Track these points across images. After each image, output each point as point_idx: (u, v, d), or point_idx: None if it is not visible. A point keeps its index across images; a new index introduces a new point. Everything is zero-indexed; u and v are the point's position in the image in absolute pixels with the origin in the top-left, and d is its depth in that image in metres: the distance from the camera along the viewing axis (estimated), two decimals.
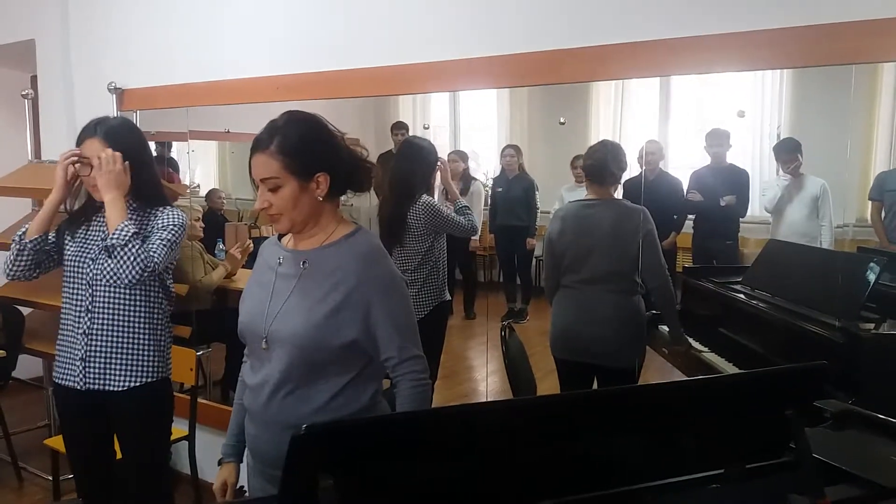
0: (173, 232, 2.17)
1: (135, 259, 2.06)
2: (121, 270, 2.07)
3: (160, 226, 2.18)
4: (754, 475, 1.21)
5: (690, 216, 2.65)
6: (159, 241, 2.13)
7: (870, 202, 2.24)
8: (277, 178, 1.56)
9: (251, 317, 1.68)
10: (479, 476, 1.08)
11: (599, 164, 2.54)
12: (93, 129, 2.18)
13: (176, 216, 2.21)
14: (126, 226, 2.08)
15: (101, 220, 2.20)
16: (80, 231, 2.25)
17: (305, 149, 1.58)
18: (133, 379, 2.19)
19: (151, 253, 2.10)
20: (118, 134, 2.19)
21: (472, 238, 3.25)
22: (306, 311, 1.59)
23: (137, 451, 2.29)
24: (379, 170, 2.85)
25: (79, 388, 2.19)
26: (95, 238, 2.21)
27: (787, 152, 2.33)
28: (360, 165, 1.67)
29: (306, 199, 1.59)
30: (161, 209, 2.23)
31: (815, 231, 2.34)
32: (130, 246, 2.06)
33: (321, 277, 1.61)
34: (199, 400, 3.06)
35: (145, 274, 2.08)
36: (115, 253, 2.06)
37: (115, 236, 2.07)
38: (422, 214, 2.83)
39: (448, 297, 2.99)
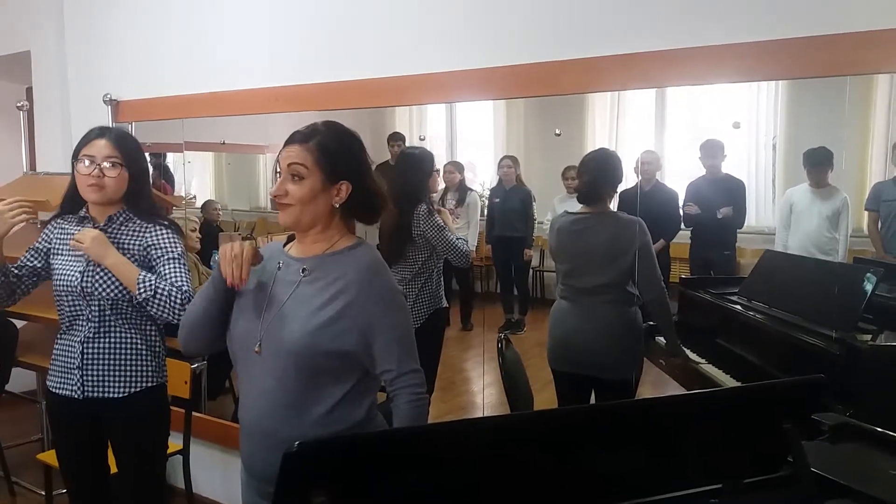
0: (184, 258, 2.23)
1: (173, 301, 2.10)
2: (165, 315, 2.12)
3: (170, 255, 2.19)
4: (752, 490, 1.20)
5: (687, 228, 2.64)
6: (180, 272, 2.18)
7: (866, 212, 2.24)
8: (306, 167, 1.59)
9: (247, 321, 1.66)
10: (476, 492, 1.07)
11: (590, 186, 2.54)
12: (101, 131, 2.20)
13: (177, 242, 2.24)
14: (144, 277, 2.11)
15: (86, 225, 2.21)
16: (65, 238, 2.23)
17: (340, 153, 1.63)
18: (132, 385, 2.19)
19: (182, 287, 2.14)
20: (125, 141, 2.22)
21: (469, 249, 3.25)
22: (304, 317, 1.59)
23: (135, 462, 2.26)
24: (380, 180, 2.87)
25: (76, 397, 2.18)
26: (79, 251, 2.20)
27: (818, 162, 2.25)
28: (379, 195, 1.71)
29: (323, 200, 1.62)
30: (156, 229, 2.22)
31: (828, 243, 2.33)
32: (160, 291, 2.10)
33: (322, 285, 1.62)
34: (194, 414, 3.04)
35: (185, 306, 2.10)
36: (151, 303, 2.11)
37: (141, 292, 2.10)
38: (425, 228, 2.83)
39: (445, 304, 2.98)
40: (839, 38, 1.91)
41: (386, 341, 1.61)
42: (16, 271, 2.25)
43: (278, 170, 1.64)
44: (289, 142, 1.64)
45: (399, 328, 1.64)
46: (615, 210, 2.56)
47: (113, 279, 2.14)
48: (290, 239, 1.76)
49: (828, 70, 1.96)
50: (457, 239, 2.87)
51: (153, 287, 2.09)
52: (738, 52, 2.05)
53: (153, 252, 2.19)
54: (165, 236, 2.21)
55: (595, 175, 2.54)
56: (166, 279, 2.14)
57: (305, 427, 1.57)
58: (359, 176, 1.66)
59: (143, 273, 2.11)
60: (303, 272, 1.65)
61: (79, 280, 2.15)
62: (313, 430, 1.57)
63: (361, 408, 1.64)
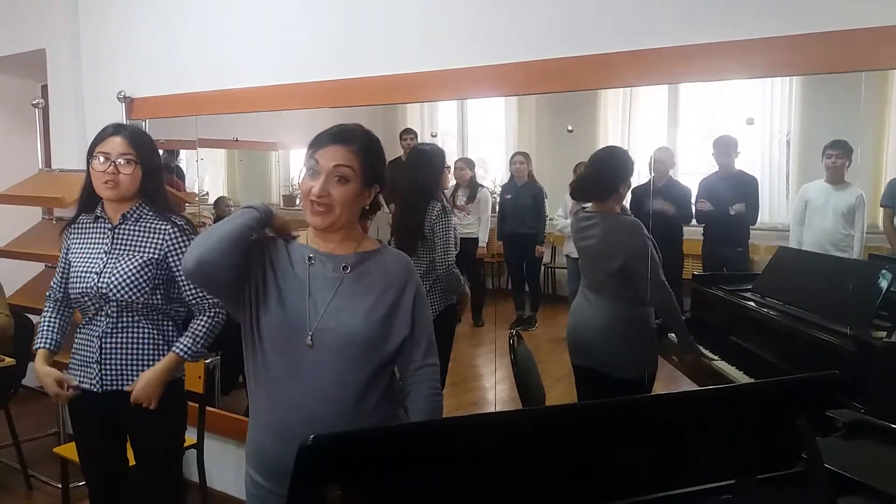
0: None
1: (217, 325, 2.27)
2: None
3: None
4: (766, 486, 1.20)
5: (700, 224, 2.63)
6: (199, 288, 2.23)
7: (881, 209, 2.22)
8: (353, 170, 1.61)
9: (285, 313, 1.61)
10: (489, 486, 1.07)
11: (580, 183, 2.57)
12: (116, 129, 2.22)
13: None
14: (186, 350, 2.21)
15: (101, 224, 2.24)
16: (82, 238, 2.26)
17: (377, 159, 1.69)
18: None
19: (210, 299, 2.24)
20: (139, 138, 2.25)
21: (480, 245, 3.25)
22: (364, 312, 1.63)
23: (151, 456, 2.29)
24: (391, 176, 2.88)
25: (95, 390, 2.20)
26: (98, 250, 2.22)
27: (839, 148, 2.21)
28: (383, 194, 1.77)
29: (358, 203, 1.66)
30: (173, 231, 2.22)
31: (843, 240, 2.31)
32: (203, 335, 2.24)
33: (369, 283, 1.67)
34: (208, 408, 3.06)
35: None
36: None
37: (200, 351, 2.24)
38: (435, 223, 2.83)
39: (455, 300, 2.98)
40: (854, 33, 1.89)
41: (417, 335, 1.68)
42: (60, 295, 2.33)
43: (312, 168, 1.60)
44: (328, 142, 1.61)
45: (427, 323, 1.72)
46: (626, 207, 2.55)
47: (129, 282, 2.16)
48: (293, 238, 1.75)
49: (843, 66, 1.95)
50: (453, 248, 2.88)
51: (200, 342, 2.22)
52: (752, 48, 2.03)
53: (171, 259, 2.20)
54: (182, 242, 2.22)
55: (586, 174, 2.53)
56: (195, 305, 2.25)
57: (357, 419, 1.60)
58: (384, 180, 1.72)
59: (180, 345, 2.21)
60: (344, 269, 1.67)
61: (95, 281, 2.17)
62: (363, 422, 1.60)
63: (397, 400, 1.71)
